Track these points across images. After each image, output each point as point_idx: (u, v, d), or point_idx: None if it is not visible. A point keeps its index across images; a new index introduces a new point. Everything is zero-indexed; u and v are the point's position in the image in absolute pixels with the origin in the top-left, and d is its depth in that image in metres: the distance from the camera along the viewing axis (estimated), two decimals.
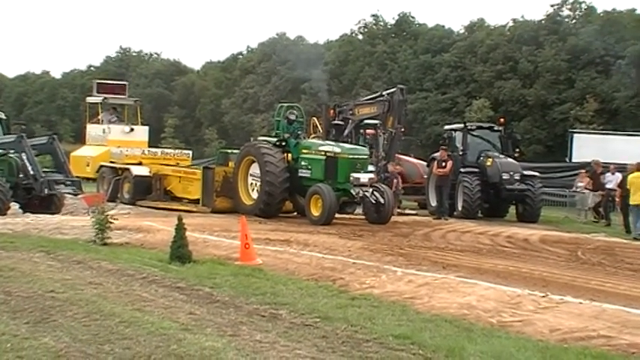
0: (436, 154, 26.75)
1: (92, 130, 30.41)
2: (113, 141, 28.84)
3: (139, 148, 28.35)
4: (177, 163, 27.50)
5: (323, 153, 21.57)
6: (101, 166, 27.69)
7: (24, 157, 22.18)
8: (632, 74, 48.65)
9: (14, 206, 21.40)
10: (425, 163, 29.01)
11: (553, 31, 56.72)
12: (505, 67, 56.57)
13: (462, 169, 25.28)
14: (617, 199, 23.94)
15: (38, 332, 7.71)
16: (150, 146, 30.08)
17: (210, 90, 79.50)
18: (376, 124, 26.65)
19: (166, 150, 30.93)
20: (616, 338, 8.11)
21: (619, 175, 24.58)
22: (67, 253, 13.36)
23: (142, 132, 30.47)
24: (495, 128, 27.39)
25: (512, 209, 26.30)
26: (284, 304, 9.31)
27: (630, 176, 21.43)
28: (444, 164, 24.39)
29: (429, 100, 58.54)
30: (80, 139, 36.86)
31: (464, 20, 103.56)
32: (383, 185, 21.96)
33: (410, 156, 32.67)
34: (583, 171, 27.65)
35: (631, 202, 21.13)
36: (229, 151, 26.37)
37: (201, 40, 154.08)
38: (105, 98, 30.34)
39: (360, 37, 71.70)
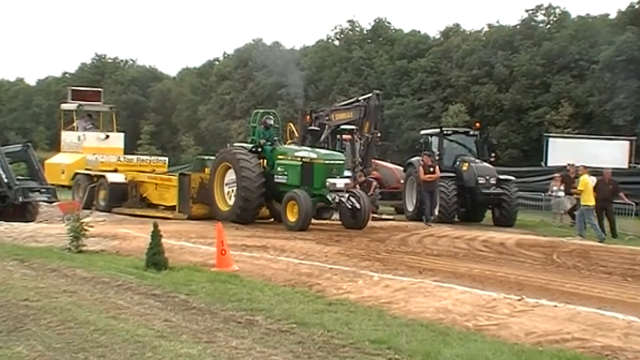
0: (413, 160, 26.83)
1: (67, 137, 30.21)
2: (88, 148, 28.65)
3: (115, 155, 28.19)
4: (154, 170, 27.38)
5: (299, 159, 21.55)
6: (76, 174, 27.50)
7: None
8: (606, 79, 49.07)
9: None
10: (401, 168, 29.09)
11: (528, 36, 57.16)
12: (481, 72, 56.91)
13: None
14: None
15: (11, 341, 7.66)
16: (126, 153, 29.91)
17: (186, 96, 79.33)
18: (352, 129, 26.70)
19: (142, 157, 30.78)
20: (590, 340, 8.17)
21: (594, 179, 24.75)
22: (42, 261, 13.28)
23: (117, 139, 30.29)
24: (471, 133, 27.52)
25: (488, 213, 26.42)
26: (260, 310, 9.30)
27: (582, 178, 21.99)
28: (432, 170, 24.36)
29: (405, 106, 58.75)
30: (55, 146, 36.62)
31: (439, 26, 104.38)
32: (359, 190, 21.98)
33: (386, 161, 32.79)
34: (557, 175, 27.84)
35: (586, 203, 21.60)
36: (206, 157, 26.29)
37: (176, 46, 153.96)
38: (80, 105, 30.14)
39: (337, 42, 71.88)
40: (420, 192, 25.31)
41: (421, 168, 24.56)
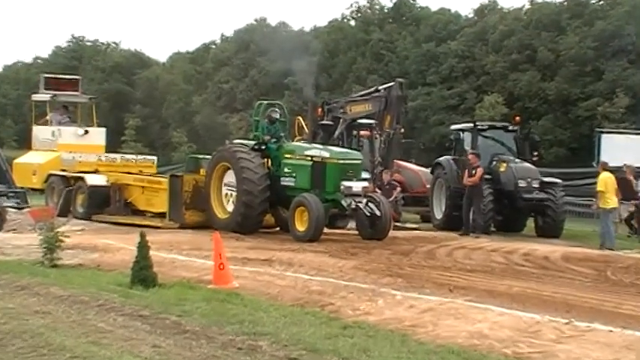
0: (442, 159, 26.86)
1: (39, 132, 30.30)
2: (64, 145, 28.72)
3: (95, 153, 28.27)
4: (140, 171, 27.46)
5: (309, 158, 21.59)
6: (50, 175, 27.60)
7: None
8: None
9: None
10: (428, 170, 29.08)
11: (577, 15, 57.02)
12: (521, 56, 56.80)
13: None
14: None
15: None
16: (108, 151, 30.02)
17: (178, 85, 79.56)
18: (371, 124, 26.72)
19: (127, 156, 30.88)
20: None
21: None
22: (10, 277, 13.33)
23: (98, 135, 30.38)
24: (510, 128, 27.47)
25: (530, 222, 26.36)
26: (264, 335, 9.32)
27: (602, 177, 22.34)
28: (474, 172, 24.28)
29: (432, 96, 58.75)
30: (25, 143, 36.76)
31: (473, 3, 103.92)
32: (379, 195, 21.98)
33: (410, 162, 32.78)
34: None
35: (604, 206, 22.16)
36: (200, 156, 26.35)
37: (167, 27, 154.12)
38: (54, 95, 30.23)
39: (353, 23, 71.96)
40: (450, 196, 25.47)
41: (466, 171, 24.57)
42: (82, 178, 26.29)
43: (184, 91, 78.09)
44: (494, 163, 26.06)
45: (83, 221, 24.34)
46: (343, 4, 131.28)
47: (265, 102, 24.45)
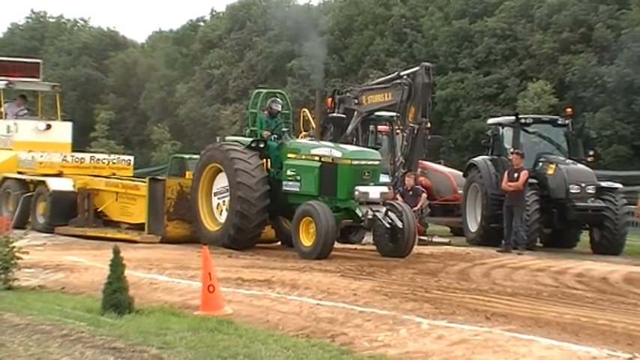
0: (477, 160, 26.84)
1: None
2: (22, 143, 28.77)
3: (59, 152, 28.31)
4: (113, 174, 27.49)
5: (317, 158, 21.60)
6: (5, 179, 27.67)
7: None
8: None
9: None
10: (460, 173, 29.07)
11: None
12: (574, 35, 56.68)
13: None
14: None
15: None
16: (74, 150, 30.07)
17: (159, 71, 79.61)
18: (392, 117, 26.74)
19: (98, 155, 30.90)
20: None
21: None
22: None
23: (62, 130, 30.41)
24: (560, 122, 27.49)
25: (584, 236, 26.30)
26: None
27: None
28: (516, 175, 24.21)
29: (466, 84, 58.66)
30: None
31: None
32: (401, 203, 21.98)
33: (439, 163, 32.78)
34: None
35: None
36: (186, 156, 26.40)
37: (146, 1, 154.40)
38: (9, 82, 30.29)
39: None
40: (487, 204, 25.45)
41: (506, 173, 24.48)
42: (43, 183, 26.33)
43: (167, 77, 78.12)
44: (540, 164, 26.06)
45: (45, 234, 24.39)
46: None
47: (264, 91, 24.52)
